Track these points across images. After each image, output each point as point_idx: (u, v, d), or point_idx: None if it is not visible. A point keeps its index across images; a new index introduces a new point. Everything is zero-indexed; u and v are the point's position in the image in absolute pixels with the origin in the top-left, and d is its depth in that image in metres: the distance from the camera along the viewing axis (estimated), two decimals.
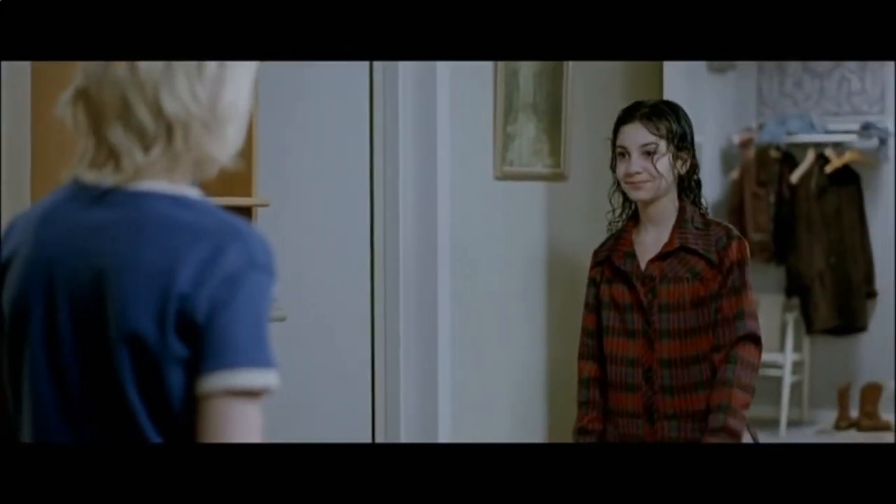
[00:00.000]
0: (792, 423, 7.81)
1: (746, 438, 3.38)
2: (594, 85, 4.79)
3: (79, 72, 1.82)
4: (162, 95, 1.75)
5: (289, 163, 4.03)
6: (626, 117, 3.50)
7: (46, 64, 3.04)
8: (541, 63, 4.46)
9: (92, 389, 1.76)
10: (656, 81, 5.02)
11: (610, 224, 3.61)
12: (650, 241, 3.47)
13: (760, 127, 8.02)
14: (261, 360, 1.72)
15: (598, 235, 4.84)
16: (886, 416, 7.90)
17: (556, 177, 4.62)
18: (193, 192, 1.81)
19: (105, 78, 1.77)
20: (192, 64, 1.76)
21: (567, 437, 4.66)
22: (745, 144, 7.82)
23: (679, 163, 3.44)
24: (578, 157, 4.70)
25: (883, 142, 7.81)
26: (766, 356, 7.55)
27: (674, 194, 3.47)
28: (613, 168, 3.54)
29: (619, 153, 3.49)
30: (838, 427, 7.88)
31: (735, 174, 8.00)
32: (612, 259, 3.52)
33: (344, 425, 4.14)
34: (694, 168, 3.48)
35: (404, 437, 4.15)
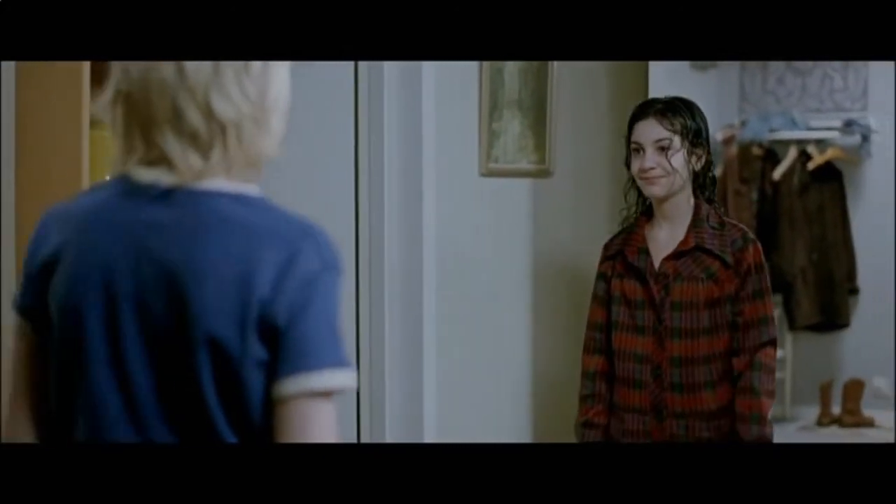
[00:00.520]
0: (774, 420, 7.77)
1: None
2: (579, 81, 4.78)
3: (116, 73, 1.80)
4: (213, 97, 1.74)
5: (274, 160, 4.01)
6: (640, 113, 3.50)
7: (32, 63, 3.01)
8: None
9: (164, 391, 1.75)
10: (641, 79, 5.01)
11: (624, 220, 3.61)
12: (664, 239, 3.47)
13: (743, 124, 8.02)
14: (338, 360, 1.75)
15: (584, 231, 4.84)
16: (868, 412, 7.92)
17: (542, 173, 4.61)
18: (252, 190, 1.82)
19: (150, 81, 1.75)
20: (239, 63, 1.76)
21: (553, 436, 4.65)
22: (727, 141, 7.82)
23: (694, 158, 3.44)
24: (564, 154, 4.69)
25: (865, 139, 7.82)
26: None
27: (689, 191, 3.47)
28: (628, 164, 3.54)
29: (633, 149, 3.49)
30: (821, 423, 7.89)
31: (717, 171, 7.97)
32: (624, 254, 3.52)
33: None
34: (709, 164, 3.47)
35: (389, 438, 4.14)
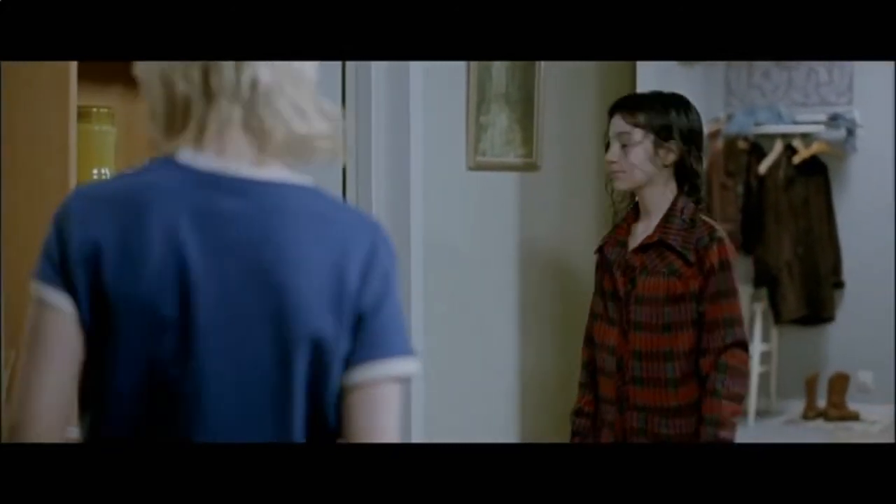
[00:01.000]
0: (760, 414, 7.84)
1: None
2: (567, 75, 4.78)
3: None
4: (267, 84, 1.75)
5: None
6: (611, 108, 3.51)
7: (15, 69, 3.01)
8: None
9: (245, 388, 1.74)
10: (628, 73, 5.01)
11: (614, 214, 3.60)
12: (640, 232, 3.46)
13: (728, 118, 8.03)
14: (411, 347, 1.81)
15: (571, 224, 4.84)
16: (854, 406, 7.94)
17: (529, 167, 4.61)
18: (309, 180, 1.82)
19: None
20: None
21: (540, 430, 4.65)
22: (713, 135, 7.83)
23: (662, 153, 3.41)
24: (551, 148, 4.69)
25: (850, 132, 7.84)
26: None
27: (663, 185, 3.43)
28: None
29: (606, 143, 3.49)
30: (806, 417, 7.91)
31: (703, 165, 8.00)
32: (604, 247, 3.53)
33: None
34: (682, 158, 3.43)
35: None
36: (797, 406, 8.08)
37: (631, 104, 3.47)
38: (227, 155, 1.76)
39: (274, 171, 1.78)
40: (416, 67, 4.08)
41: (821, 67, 8.01)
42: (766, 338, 7.94)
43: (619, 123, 3.43)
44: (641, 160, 3.41)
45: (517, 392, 4.62)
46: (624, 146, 3.41)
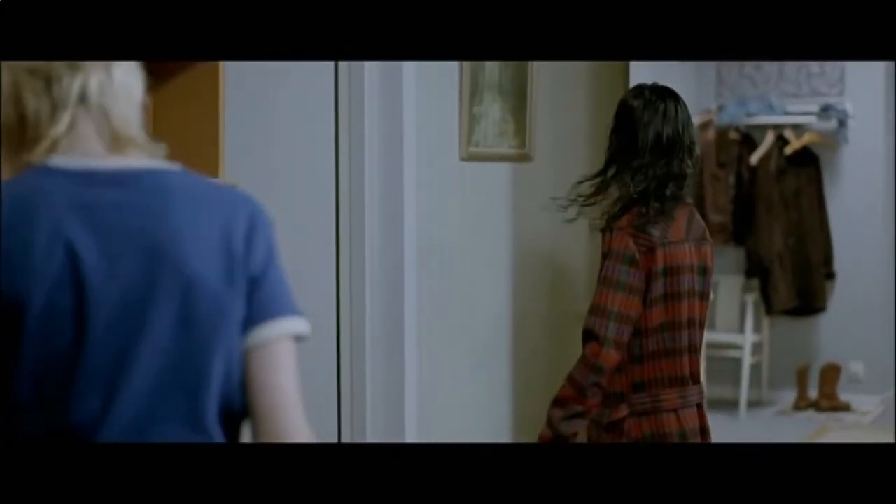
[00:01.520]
0: (751, 404, 7.85)
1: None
2: (560, 66, 4.78)
3: (7, 67, 1.85)
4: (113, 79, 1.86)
5: (254, 143, 3.99)
6: None
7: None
8: None
9: (155, 365, 1.79)
10: (621, 64, 5.01)
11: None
12: None
13: (720, 108, 8.03)
14: (299, 309, 1.89)
15: (563, 215, 4.83)
16: (845, 396, 7.96)
17: (522, 157, 4.60)
18: (174, 165, 1.89)
19: (38, 71, 1.83)
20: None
21: (533, 424, 4.66)
22: (704, 126, 7.83)
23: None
24: (544, 138, 4.68)
25: (842, 123, 7.84)
26: (726, 337, 7.65)
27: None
28: None
29: None
30: (797, 408, 7.92)
31: None
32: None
33: (309, 404, 4.10)
34: (611, 147, 3.52)
35: (369, 423, 4.13)
36: (788, 397, 8.09)
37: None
38: (93, 154, 1.83)
39: (142, 161, 1.85)
40: None
41: (813, 60, 8.01)
42: (757, 328, 7.95)
43: None
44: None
45: (510, 376, 4.61)
46: None
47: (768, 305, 7.88)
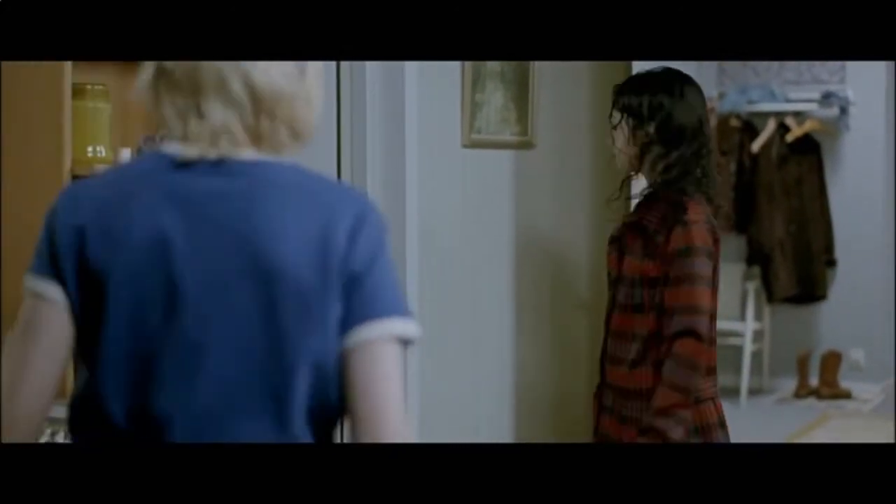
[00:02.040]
0: (752, 392, 7.86)
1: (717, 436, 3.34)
2: None
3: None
4: (254, 72, 1.82)
5: (312, 132, 4.00)
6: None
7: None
8: None
9: (240, 352, 1.78)
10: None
11: (617, 195, 3.55)
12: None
13: (721, 96, 8.03)
14: (407, 310, 1.84)
15: (566, 203, 4.84)
16: (846, 384, 7.96)
17: (524, 145, 4.60)
18: (295, 161, 1.88)
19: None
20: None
21: (532, 419, 4.66)
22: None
23: (639, 136, 3.38)
24: (546, 125, 4.68)
25: (843, 111, 7.84)
26: (727, 325, 7.64)
27: (652, 166, 3.40)
28: None
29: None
30: (798, 395, 7.93)
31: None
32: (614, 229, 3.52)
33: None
34: (652, 142, 3.38)
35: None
36: (789, 384, 8.09)
37: (620, 87, 3.46)
38: (209, 143, 1.82)
39: (252, 153, 1.84)
40: None
41: (814, 60, 8.00)
42: (758, 316, 7.95)
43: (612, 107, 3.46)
44: (623, 143, 3.39)
45: (510, 364, 4.62)
46: (613, 128, 3.42)
47: (769, 293, 7.88)
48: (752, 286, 7.81)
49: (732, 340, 7.74)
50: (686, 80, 3.48)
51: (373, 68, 4.06)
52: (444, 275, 4.27)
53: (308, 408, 1.81)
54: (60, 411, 1.88)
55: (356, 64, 4.06)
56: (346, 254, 1.79)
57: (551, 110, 4.70)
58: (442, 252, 4.25)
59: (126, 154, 3.31)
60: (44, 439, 2.91)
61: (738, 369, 7.76)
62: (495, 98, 4.42)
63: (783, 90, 7.99)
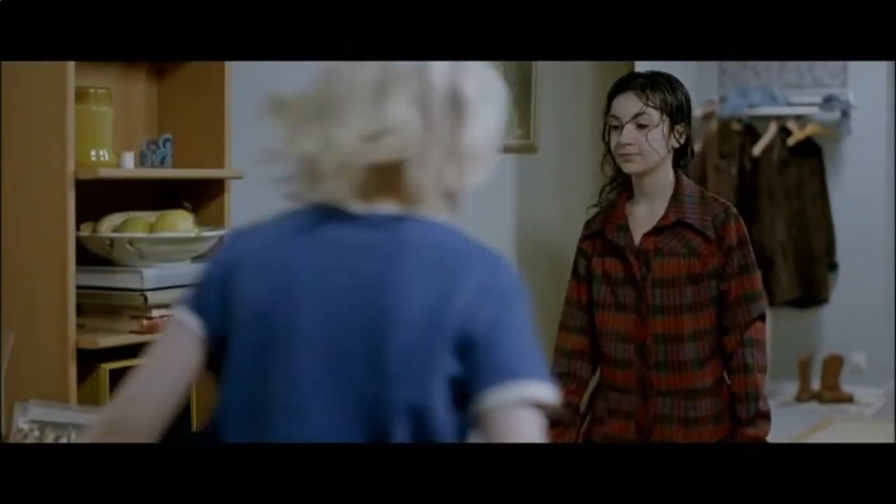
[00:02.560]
0: None
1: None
2: None
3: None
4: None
5: (261, 134, 3.98)
6: (619, 87, 3.39)
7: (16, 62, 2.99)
8: None
9: (342, 392, 1.81)
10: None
11: (597, 201, 3.53)
12: (643, 215, 3.40)
13: (722, 99, 8.02)
14: (538, 373, 1.81)
15: (568, 206, 4.83)
16: (847, 388, 7.96)
17: (526, 148, 4.59)
18: (443, 219, 1.89)
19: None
20: (443, 102, 1.83)
21: None
22: (707, 117, 7.80)
23: (675, 135, 3.36)
24: (549, 130, 4.67)
25: (845, 114, 7.83)
26: None
27: (669, 167, 3.39)
28: (605, 139, 3.43)
29: (612, 124, 3.39)
30: (800, 399, 7.92)
31: (697, 146, 7.98)
32: (605, 232, 3.44)
33: None
34: (688, 140, 3.40)
35: None
36: (791, 388, 8.08)
37: (647, 84, 3.36)
38: (356, 198, 1.87)
39: (396, 208, 1.88)
40: None
41: (815, 60, 7.99)
42: None
43: (634, 104, 3.31)
44: (659, 142, 3.34)
45: None
46: (642, 127, 3.33)
47: (771, 296, 7.86)
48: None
49: None
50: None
51: None
52: None
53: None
54: (64, 416, 1.88)
55: None
56: (466, 314, 1.79)
57: (553, 115, 4.70)
58: None
59: (129, 158, 3.30)
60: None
61: None
62: None
63: (784, 93, 7.98)
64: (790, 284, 7.85)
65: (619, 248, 3.38)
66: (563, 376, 3.46)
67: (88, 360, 3.14)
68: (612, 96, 3.40)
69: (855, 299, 7.96)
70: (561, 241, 4.81)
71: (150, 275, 3.19)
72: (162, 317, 3.19)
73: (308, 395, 1.81)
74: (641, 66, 4.89)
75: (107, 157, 3.25)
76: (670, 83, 3.39)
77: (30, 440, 2.96)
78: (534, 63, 4.53)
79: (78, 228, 3.13)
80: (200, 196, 3.45)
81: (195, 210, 3.38)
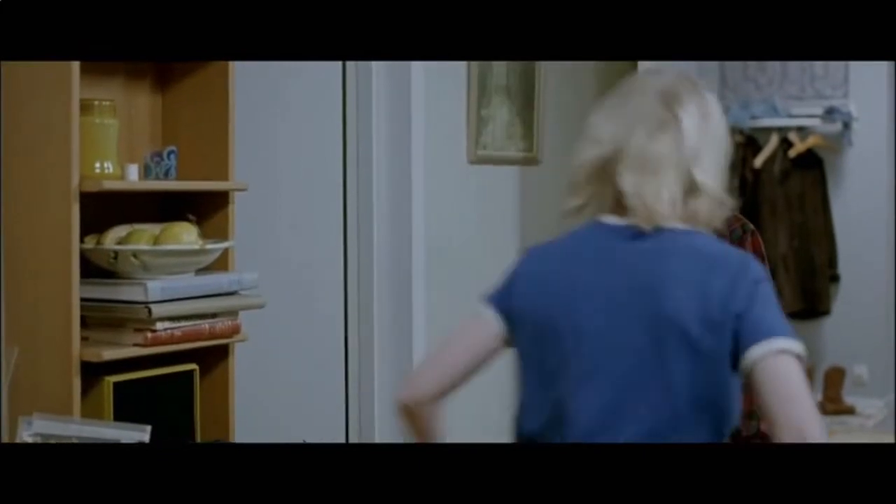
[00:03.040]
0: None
1: None
2: (567, 69, 4.77)
3: (604, 136, 2.42)
4: (695, 170, 2.25)
5: (264, 147, 3.98)
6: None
7: (18, 63, 2.98)
8: None
9: (636, 380, 2.19)
10: (629, 65, 4.99)
11: None
12: None
13: (724, 111, 8.01)
14: (787, 332, 2.16)
15: (571, 219, 4.82)
16: (850, 400, 7.94)
17: (530, 161, 4.59)
18: (705, 231, 2.29)
19: (649, 147, 2.28)
20: (720, 139, 2.36)
21: None
22: None
23: None
24: (552, 142, 4.67)
25: (846, 126, 7.83)
26: None
27: None
28: None
29: None
30: None
31: None
32: None
33: (319, 405, 4.10)
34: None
35: (377, 425, 4.12)
36: None
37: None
38: (640, 217, 2.25)
39: (669, 223, 2.25)
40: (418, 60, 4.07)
41: (816, 61, 7.99)
42: None
43: None
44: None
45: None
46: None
47: None
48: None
49: None
50: None
51: (378, 84, 4.06)
52: (451, 290, 4.26)
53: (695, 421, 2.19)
54: (67, 430, 1.87)
55: (362, 79, 4.06)
56: (725, 301, 2.16)
57: (557, 126, 4.70)
58: (448, 267, 4.24)
59: (133, 170, 3.29)
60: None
61: None
62: (501, 113, 4.42)
63: (786, 105, 7.98)
64: (792, 296, 7.85)
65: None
66: None
67: (92, 373, 3.13)
68: None
69: (857, 311, 7.95)
70: None
71: (155, 287, 3.17)
72: (166, 329, 3.18)
73: (596, 377, 2.19)
74: (644, 69, 4.89)
75: (111, 170, 3.24)
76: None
77: None
78: (537, 75, 4.53)
79: (82, 241, 3.12)
80: (205, 208, 3.45)
81: (199, 222, 3.37)
